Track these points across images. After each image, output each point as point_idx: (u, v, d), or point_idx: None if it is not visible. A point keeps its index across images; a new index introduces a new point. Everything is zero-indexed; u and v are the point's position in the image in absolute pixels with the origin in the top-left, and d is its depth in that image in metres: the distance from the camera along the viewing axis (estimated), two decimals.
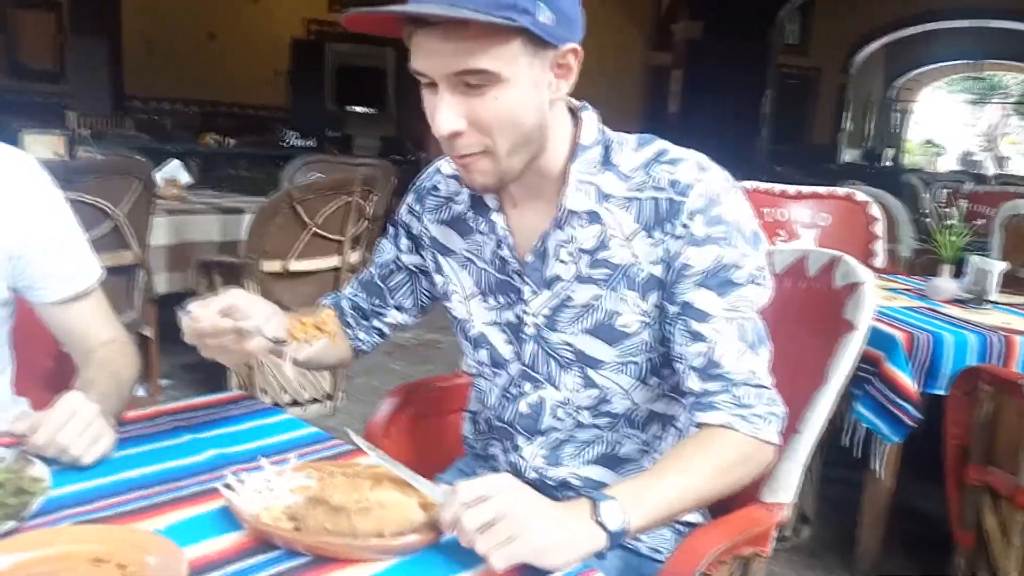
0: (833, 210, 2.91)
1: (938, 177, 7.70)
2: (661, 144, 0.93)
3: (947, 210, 2.32)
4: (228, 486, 0.79)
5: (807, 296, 1.13)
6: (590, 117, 0.94)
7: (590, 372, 0.96)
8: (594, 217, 0.91)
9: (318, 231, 2.79)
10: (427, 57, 0.81)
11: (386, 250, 1.11)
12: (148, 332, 2.78)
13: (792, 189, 2.95)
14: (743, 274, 0.88)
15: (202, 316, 0.87)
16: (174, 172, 3.60)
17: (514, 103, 0.82)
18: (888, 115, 16.63)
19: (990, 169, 13.95)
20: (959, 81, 18.53)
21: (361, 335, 1.13)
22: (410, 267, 1.10)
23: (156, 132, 8.19)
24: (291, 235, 2.75)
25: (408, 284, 1.11)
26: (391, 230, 1.11)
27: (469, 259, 1.02)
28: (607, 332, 0.93)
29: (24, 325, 1.18)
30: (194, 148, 6.82)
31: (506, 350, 1.01)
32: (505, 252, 0.96)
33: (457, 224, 1.03)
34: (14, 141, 2.84)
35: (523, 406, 1.01)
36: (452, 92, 0.82)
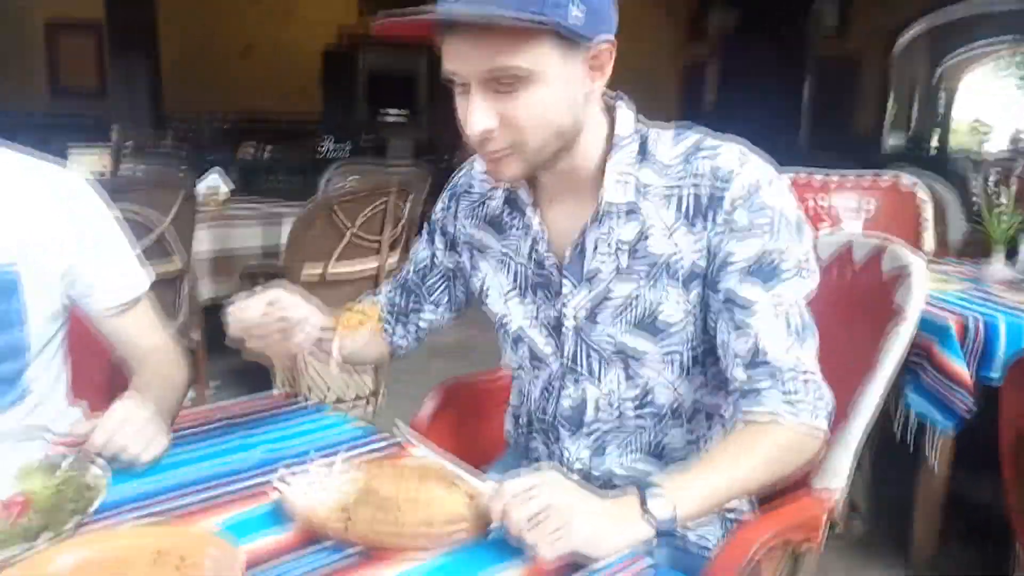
0: (879, 197, 2.85)
1: (986, 159, 7.48)
2: (699, 134, 0.92)
3: (997, 192, 2.25)
4: (281, 482, 0.81)
5: (855, 284, 1.11)
6: (626, 110, 0.93)
7: (633, 366, 0.95)
8: (633, 211, 0.90)
9: (356, 235, 2.83)
10: (458, 59, 0.82)
11: (422, 250, 1.12)
12: (195, 338, 2.85)
13: (835, 177, 2.90)
14: (788, 264, 0.87)
15: (248, 308, 0.88)
16: (215, 182, 3.67)
17: (547, 101, 0.82)
18: (934, 98, 16.22)
19: None
20: (1007, 61, 17.98)
21: (399, 333, 1.14)
22: (446, 266, 1.10)
23: (195, 144, 8.38)
24: (330, 240, 2.79)
25: (444, 283, 1.11)
26: (426, 230, 1.12)
27: (506, 256, 1.02)
28: (650, 326, 0.92)
29: (78, 334, 1.22)
30: (232, 158, 6.96)
31: (546, 347, 1.01)
32: (542, 248, 0.96)
33: (493, 222, 1.03)
34: (62, 158, 2.94)
35: (566, 402, 1.00)
36: (484, 92, 0.82)
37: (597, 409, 0.99)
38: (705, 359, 0.95)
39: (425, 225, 1.13)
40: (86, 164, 3.17)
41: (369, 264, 2.95)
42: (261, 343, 0.91)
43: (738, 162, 0.87)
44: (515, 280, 1.02)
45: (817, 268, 0.91)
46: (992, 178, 2.34)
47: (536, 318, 1.01)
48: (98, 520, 0.78)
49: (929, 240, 2.79)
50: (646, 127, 0.93)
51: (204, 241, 2.99)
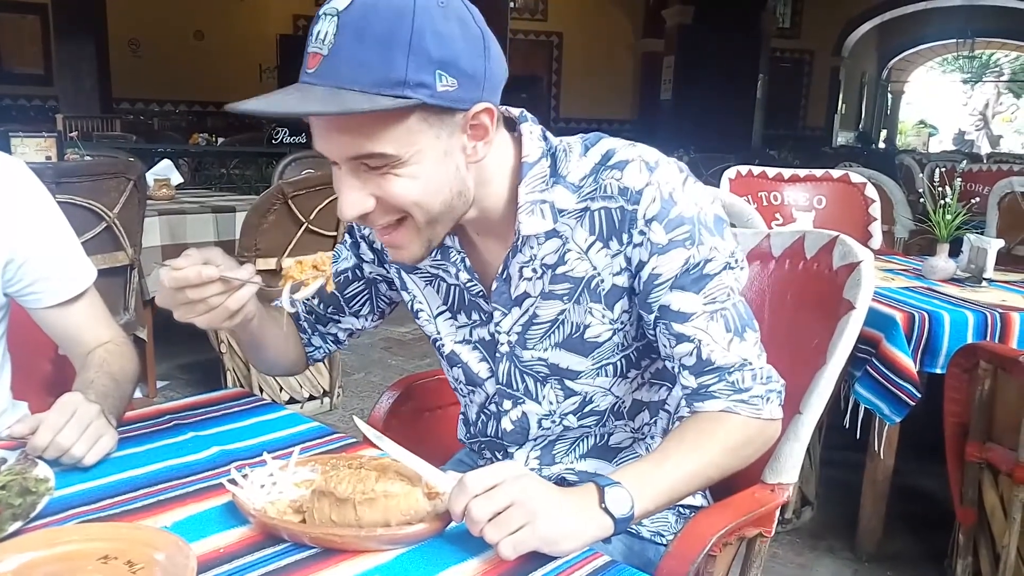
0: (829, 192, 2.91)
1: (932, 157, 7.71)
2: (606, 144, 0.87)
3: (942, 190, 2.32)
4: (233, 481, 0.79)
5: (806, 277, 1.13)
6: (531, 130, 0.87)
7: (568, 383, 0.95)
8: (551, 231, 0.87)
9: (311, 227, 2.79)
10: (321, 142, 0.77)
11: (344, 257, 1.06)
12: (142, 334, 2.77)
13: (787, 172, 2.96)
14: (715, 265, 0.85)
15: (185, 264, 0.82)
16: (165, 172, 3.58)
17: (422, 178, 0.77)
18: (882, 97, 16.64)
19: (984, 148, 13.97)
20: (952, 61, 18.54)
21: (316, 341, 1.10)
22: (372, 278, 1.06)
23: (145, 133, 8.16)
24: (285, 232, 2.74)
25: (366, 292, 1.07)
26: (350, 239, 1.06)
27: (435, 275, 0.98)
28: (578, 344, 0.92)
29: (20, 329, 1.18)
30: (184, 148, 6.79)
31: (480, 368, 0.99)
32: (465, 276, 0.93)
33: None
34: (3, 145, 2.83)
35: (506, 423, 0.99)
36: (355, 173, 0.77)
37: (540, 426, 0.99)
38: (640, 360, 0.95)
39: (348, 233, 1.07)
40: (29, 151, 3.06)
41: None
42: (196, 308, 0.83)
43: (645, 178, 0.83)
44: (446, 299, 0.99)
45: (745, 260, 0.90)
46: (937, 175, 2.40)
47: (469, 339, 0.99)
48: (43, 520, 0.76)
49: (877, 236, 2.86)
50: (553, 142, 0.88)
51: (154, 232, 2.91)
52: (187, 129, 8.86)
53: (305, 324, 1.10)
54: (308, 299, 1.03)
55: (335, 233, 2.91)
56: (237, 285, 0.84)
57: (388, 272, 1.04)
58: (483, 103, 0.78)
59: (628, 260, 0.86)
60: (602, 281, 0.88)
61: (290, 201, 2.70)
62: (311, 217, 2.77)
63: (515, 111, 0.89)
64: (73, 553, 0.68)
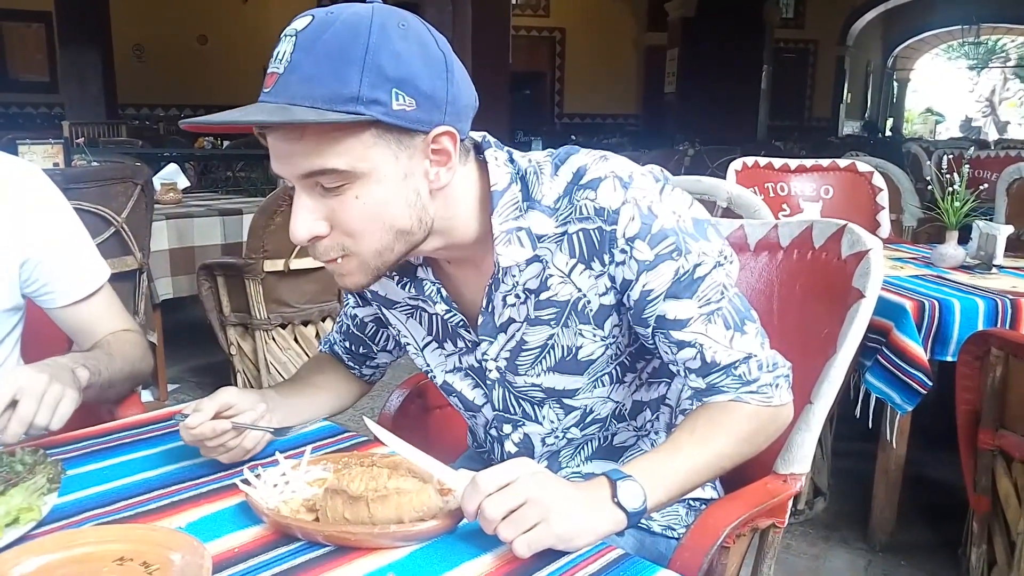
0: (836, 182, 2.90)
1: (939, 145, 7.67)
2: (577, 161, 0.83)
3: (950, 177, 2.31)
4: (246, 481, 0.80)
5: (815, 267, 1.13)
6: (496, 155, 0.84)
7: (567, 401, 0.94)
8: (532, 257, 0.84)
9: None
10: (275, 160, 0.75)
11: (349, 303, 1.09)
12: (153, 338, 2.79)
13: (793, 163, 2.94)
14: (705, 267, 0.83)
15: (197, 423, 0.86)
16: (171, 176, 3.60)
17: (378, 200, 0.75)
18: (888, 85, 16.53)
19: (991, 134, 13.88)
20: (957, 47, 18.40)
21: (366, 371, 1.14)
22: (372, 320, 1.07)
23: (150, 138, 8.19)
24: None
25: (382, 332, 1.08)
26: None
27: (415, 307, 0.96)
28: (572, 365, 0.91)
29: (34, 330, 1.19)
30: (190, 152, 6.81)
31: (475, 395, 0.99)
32: (441, 308, 0.91)
33: (393, 275, 0.94)
34: (11, 153, 2.84)
35: (510, 446, 0.99)
36: (309, 193, 0.75)
37: (544, 443, 0.98)
38: (635, 363, 0.94)
39: None
40: (37, 159, 3.08)
41: None
42: (217, 451, 0.89)
43: (619, 196, 0.80)
44: (430, 329, 0.97)
45: (734, 252, 0.89)
46: (944, 163, 2.39)
47: (459, 367, 0.98)
48: (58, 523, 0.76)
49: (885, 225, 2.85)
50: (521, 164, 0.85)
51: (162, 237, 2.93)
52: (192, 133, 8.89)
53: (350, 362, 1.13)
54: (340, 340, 1.12)
55: None
56: (249, 429, 0.89)
57: (375, 308, 1.04)
58: (444, 127, 0.75)
59: (612, 279, 0.84)
60: (589, 302, 0.86)
61: None
62: None
63: (477, 136, 0.86)
64: (89, 555, 0.68)
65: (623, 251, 0.81)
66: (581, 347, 0.89)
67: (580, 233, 0.82)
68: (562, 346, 0.89)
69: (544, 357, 0.90)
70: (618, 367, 0.93)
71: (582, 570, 0.69)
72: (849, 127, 14.62)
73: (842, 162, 2.99)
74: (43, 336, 1.21)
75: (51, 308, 1.14)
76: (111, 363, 1.06)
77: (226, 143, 7.48)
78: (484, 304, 0.89)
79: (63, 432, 1.00)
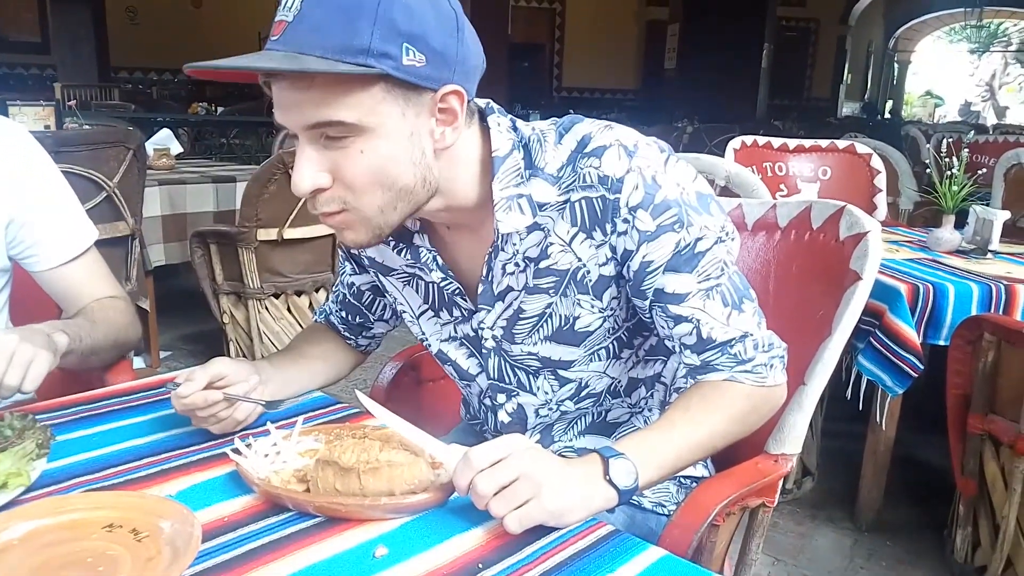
0: (834, 163, 2.89)
1: (938, 128, 7.65)
2: (581, 129, 0.83)
3: (948, 161, 2.30)
4: (236, 451, 0.79)
5: (812, 248, 1.12)
6: (498, 122, 0.83)
7: (561, 372, 0.94)
8: (532, 225, 0.84)
9: None
10: (281, 110, 0.74)
11: (345, 274, 1.08)
12: (145, 304, 2.77)
13: (792, 143, 2.93)
14: (706, 242, 0.83)
15: (189, 392, 0.86)
16: (164, 142, 3.56)
17: (384, 156, 0.74)
18: (888, 67, 16.44)
19: (990, 119, 13.85)
20: (959, 30, 18.29)
21: (361, 341, 1.14)
22: (369, 288, 1.07)
23: (143, 102, 8.09)
24: (286, 202, 2.73)
25: (378, 300, 1.08)
26: (340, 253, 1.08)
27: (412, 275, 0.96)
28: (569, 336, 0.90)
29: (21, 296, 1.18)
30: (184, 118, 6.74)
31: (470, 364, 0.98)
32: (437, 276, 0.91)
33: (390, 242, 0.94)
34: (1, 114, 2.80)
35: (503, 415, 0.99)
36: (313, 145, 0.74)
37: (537, 415, 0.98)
38: (632, 339, 0.94)
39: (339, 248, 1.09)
40: (28, 120, 3.04)
41: (326, 228, 2.89)
42: (208, 421, 0.89)
43: (624, 164, 0.80)
44: (427, 298, 0.97)
45: (736, 229, 0.88)
46: (944, 146, 2.38)
47: (454, 336, 0.97)
48: (48, 488, 0.76)
49: (882, 207, 2.85)
50: (525, 132, 0.84)
51: (154, 203, 2.90)
52: (186, 98, 8.78)
53: (345, 332, 1.12)
54: (336, 311, 1.12)
55: None
56: (241, 400, 0.89)
57: (372, 276, 1.03)
58: (452, 85, 0.75)
59: (613, 249, 0.83)
60: (588, 272, 0.86)
61: (291, 171, 2.68)
62: None
63: (481, 102, 0.85)
64: (78, 521, 0.68)
65: (625, 220, 0.81)
66: (579, 317, 0.89)
67: (583, 201, 0.82)
68: (560, 315, 0.89)
69: (541, 326, 0.90)
70: (615, 342, 0.93)
71: (572, 546, 0.70)
72: (848, 108, 14.55)
73: (841, 143, 2.98)
74: (33, 303, 1.19)
75: (36, 271, 1.12)
76: (93, 329, 1.05)
77: (220, 109, 7.40)
78: (484, 273, 0.88)
79: (53, 398, 0.99)
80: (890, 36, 16.34)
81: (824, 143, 2.96)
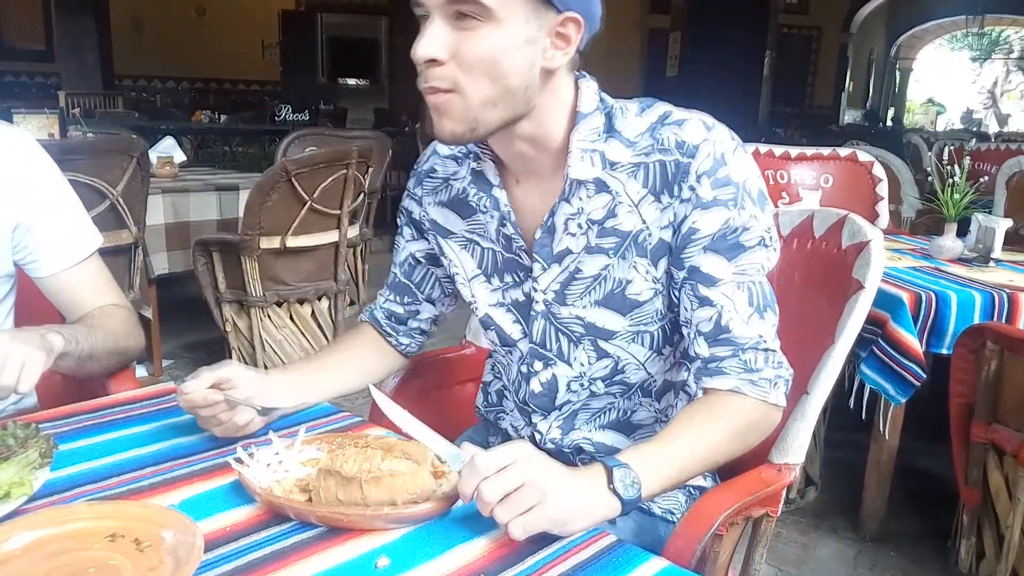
0: (836, 171, 2.89)
1: (940, 136, 7.65)
2: (664, 107, 0.90)
3: (950, 168, 2.30)
4: (239, 460, 0.79)
5: (815, 256, 1.12)
6: (588, 85, 0.90)
7: (602, 344, 0.95)
8: (601, 185, 0.88)
9: (315, 206, 2.78)
10: None
11: (401, 249, 1.11)
12: (148, 313, 2.78)
13: (794, 151, 2.93)
14: (752, 236, 0.86)
15: (192, 389, 0.88)
16: (168, 150, 3.57)
17: (501, 47, 0.79)
18: (890, 74, 16.45)
19: (992, 126, 13.86)
20: (961, 38, 18.31)
21: (403, 340, 1.14)
22: (424, 257, 1.09)
23: (147, 110, 8.12)
24: (288, 210, 2.73)
25: (431, 275, 1.10)
26: (400, 223, 1.11)
27: (471, 240, 1.00)
28: (618, 302, 0.92)
29: (26, 303, 1.18)
30: (187, 126, 6.77)
31: (514, 330, 1.00)
32: (509, 230, 0.94)
33: (457, 205, 1.00)
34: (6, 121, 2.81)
35: (535, 385, 1.00)
36: (443, 22, 0.80)
37: (568, 388, 0.99)
38: (674, 336, 0.96)
39: (397, 219, 1.11)
40: (32, 129, 3.05)
41: (329, 236, 2.91)
42: (209, 422, 0.90)
43: (703, 134, 0.85)
44: (480, 263, 1.00)
45: (778, 241, 0.91)
46: (946, 154, 2.38)
47: (503, 302, 1.00)
48: (50, 498, 0.76)
49: (884, 215, 2.84)
50: (610, 102, 0.91)
51: (157, 211, 2.91)
52: (189, 106, 8.81)
53: (388, 328, 1.14)
54: (383, 302, 1.14)
55: (338, 212, 2.89)
56: (239, 403, 0.90)
57: (430, 242, 1.06)
58: (575, 13, 0.81)
59: (675, 215, 0.87)
60: (649, 235, 0.88)
61: (293, 179, 2.69)
62: (314, 195, 2.76)
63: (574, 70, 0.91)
64: (81, 531, 0.68)
65: (691, 188, 0.85)
66: (631, 282, 0.91)
67: (657, 164, 0.86)
68: (614, 278, 0.91)
69: (594, 287, 0.92)
70: (659, 332, 0.94)
71: (574, 556, 0.69)
72: (850, 116, 14.56)
73: (842, 151, 2.98)
74: (36, 309, 1.19)
75: (39, 277, 1.12)
76: (91, 335, 1.05)
77: (223, 117, 7.43)
78: (545, 219, 0.91)
79: (56, 407, 1.00)
80: (892, 44, 16.36)
81: (826, 151, 2.96)
